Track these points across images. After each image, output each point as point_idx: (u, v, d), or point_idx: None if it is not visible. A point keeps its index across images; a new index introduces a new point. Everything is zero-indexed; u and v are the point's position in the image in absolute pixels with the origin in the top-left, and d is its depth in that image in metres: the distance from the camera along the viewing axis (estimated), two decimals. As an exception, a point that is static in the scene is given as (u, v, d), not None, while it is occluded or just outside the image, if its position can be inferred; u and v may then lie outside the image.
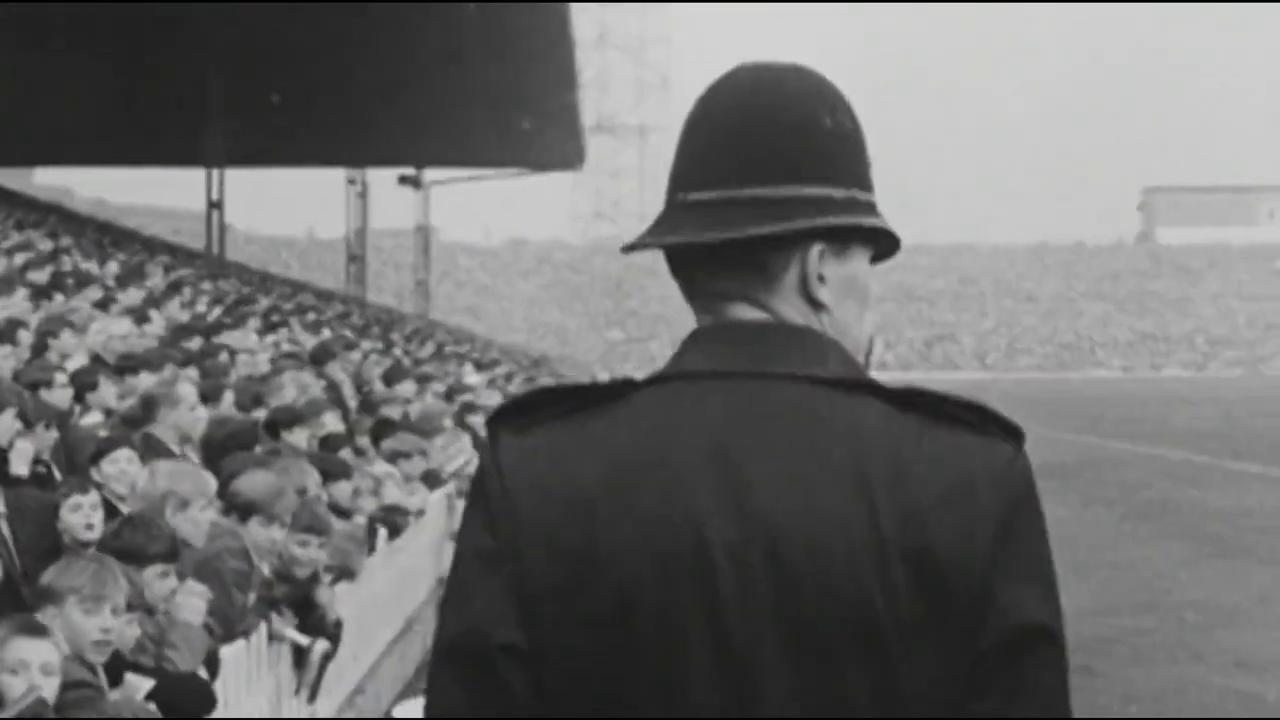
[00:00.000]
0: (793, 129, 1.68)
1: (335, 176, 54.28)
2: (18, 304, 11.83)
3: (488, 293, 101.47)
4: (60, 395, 9.35)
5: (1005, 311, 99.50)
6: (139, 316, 15.04)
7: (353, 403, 15.68)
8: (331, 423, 12.69)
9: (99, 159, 55.00)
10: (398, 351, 28.78)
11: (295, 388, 13.26)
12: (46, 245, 24.13)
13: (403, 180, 54.12)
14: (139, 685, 5.11)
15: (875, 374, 1.74)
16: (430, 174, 56.61)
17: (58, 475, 8.29)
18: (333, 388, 15.58)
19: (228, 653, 6.19)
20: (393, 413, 14.61)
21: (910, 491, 1.57)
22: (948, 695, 1.57)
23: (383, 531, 10.05)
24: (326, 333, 25.49)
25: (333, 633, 7.25)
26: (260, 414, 10.78)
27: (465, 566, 1.64)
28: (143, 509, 6.30)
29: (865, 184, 1.73)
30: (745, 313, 1.68)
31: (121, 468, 7.50)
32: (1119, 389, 58.17)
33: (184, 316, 17.71)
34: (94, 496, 6.69)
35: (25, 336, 10.17)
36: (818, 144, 1.68)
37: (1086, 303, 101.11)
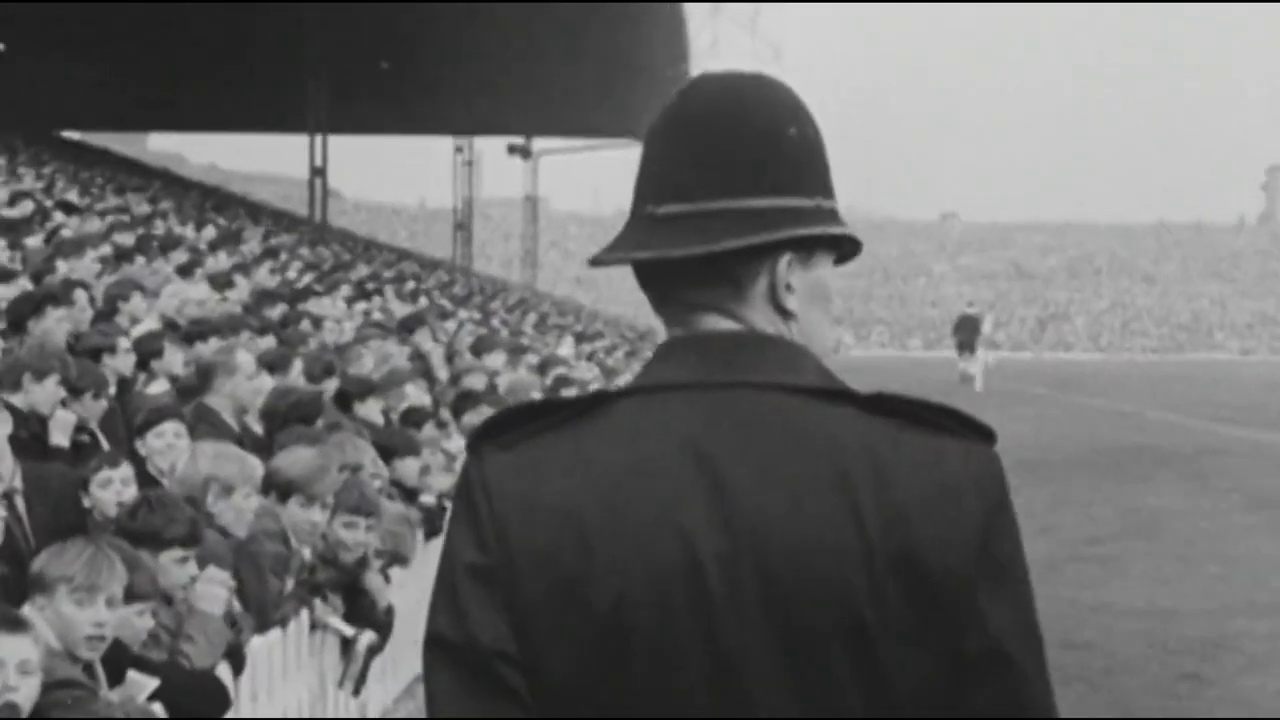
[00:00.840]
0: (758, 140, 1.70)
1: (449, 145, 54.10)
2: (86, 267, 11.47)
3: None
4: (123, 361, 8.98)
5: (1121, 291, 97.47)
6: (222, 282, 14.70)
7: (443, 374, 15.30)
8: (414, 395, 12.29)
9: (207, 125, 55.34)
10: (496, 322, 28.41)
11: (375, 358, 12.86)
12: (144, 209, 24.00)
13: (512, 150, 53.83)
14: (142, 685, 4.65)
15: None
16: (539, 143, 56.33)
17: (105, 447, 7.92)
18: (420, 358, 15.19)
19: (259, 643, 5.75)
20: (476, 384, 14.14)
21: (894, 496, 1.60)
22: (938, 696, 1.60)
23: (453, 510, 9.58)
24: (423, 301, 25.16)
25: (383, 621, 6.79)
26: (332, 385, 10.38)
27: (456, 582, 1.65)
28: (180, 493, 5.86)
29: (829, 191, 1.75)
30: (717, 323, 1.70)
31: (168, 441, 7.09)
32: (1237, 372, 56.62)
33: (272, 283, 17.38)
34: (126, 470, 6.29)
35: (82, 297, 9.78)
36: (782, 154, 1.70)
37: (1205, 283, 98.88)
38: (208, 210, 30.65)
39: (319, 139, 36.03)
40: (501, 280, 62.56)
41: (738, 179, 1.68)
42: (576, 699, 1.60)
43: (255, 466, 6.36)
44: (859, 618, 1.57)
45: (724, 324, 1.70)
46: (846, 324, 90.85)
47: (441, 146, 56.02)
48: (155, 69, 41.63)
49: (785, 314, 1.71)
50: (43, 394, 7.36)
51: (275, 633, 5.96)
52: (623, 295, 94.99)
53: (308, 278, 20.69)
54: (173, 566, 5.16)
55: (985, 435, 1.67)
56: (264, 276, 17.36)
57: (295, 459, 6.20)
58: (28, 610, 4.36)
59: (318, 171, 35.88)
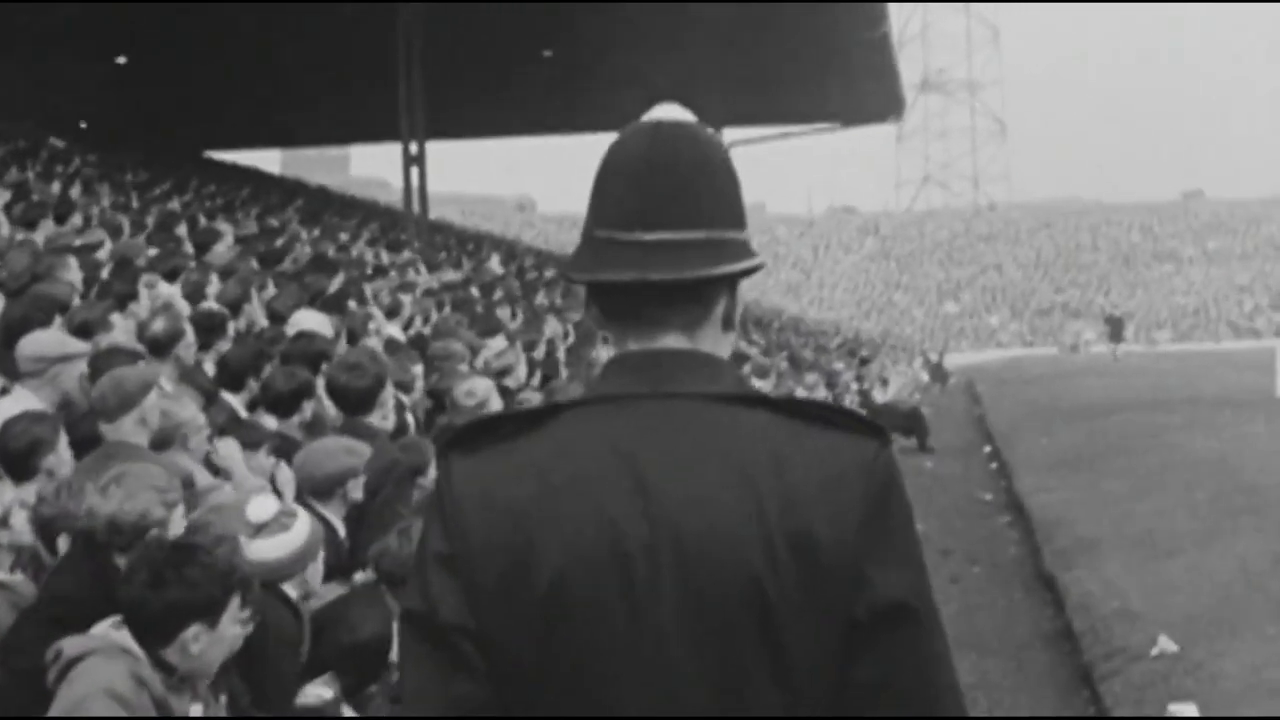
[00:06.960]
0: (719, 180, 2.00)
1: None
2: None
3: (807, 267, 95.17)
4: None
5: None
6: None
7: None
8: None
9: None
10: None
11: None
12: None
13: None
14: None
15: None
16: (731, 134, 50.75)
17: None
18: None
19: None
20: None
21: (790, 483, 1.86)
22: (834, 659, 1.84)
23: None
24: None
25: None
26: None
27: (425, 567, 1.93)
28: None
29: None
30: (674, 341, 1.99)
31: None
32: None
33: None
34: None
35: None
36: (735, 193, 2.02)
37: None
38: (274, 210, 25.57)
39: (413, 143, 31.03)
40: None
41: (716, 213, 1.97)
42: (524, 667, 1.85)
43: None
44: (760, 591, 1.82)
45: (678, 342, 1.98)
46: (1085, 317, 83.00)
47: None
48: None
49: (730, 328, 2.05)
50: None
51: None
52: (838, 298, 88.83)
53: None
54: None
55: (877, 432, 1.94)
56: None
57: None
58: None
59: (413, 160, 30.67)
